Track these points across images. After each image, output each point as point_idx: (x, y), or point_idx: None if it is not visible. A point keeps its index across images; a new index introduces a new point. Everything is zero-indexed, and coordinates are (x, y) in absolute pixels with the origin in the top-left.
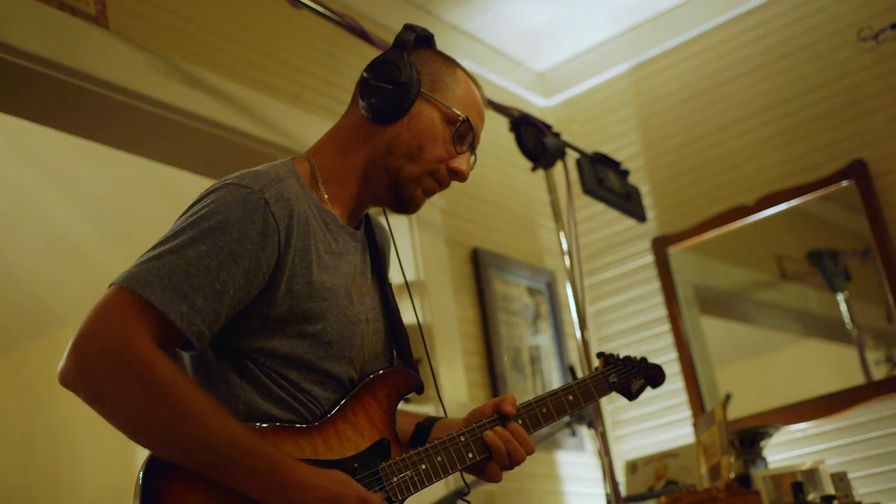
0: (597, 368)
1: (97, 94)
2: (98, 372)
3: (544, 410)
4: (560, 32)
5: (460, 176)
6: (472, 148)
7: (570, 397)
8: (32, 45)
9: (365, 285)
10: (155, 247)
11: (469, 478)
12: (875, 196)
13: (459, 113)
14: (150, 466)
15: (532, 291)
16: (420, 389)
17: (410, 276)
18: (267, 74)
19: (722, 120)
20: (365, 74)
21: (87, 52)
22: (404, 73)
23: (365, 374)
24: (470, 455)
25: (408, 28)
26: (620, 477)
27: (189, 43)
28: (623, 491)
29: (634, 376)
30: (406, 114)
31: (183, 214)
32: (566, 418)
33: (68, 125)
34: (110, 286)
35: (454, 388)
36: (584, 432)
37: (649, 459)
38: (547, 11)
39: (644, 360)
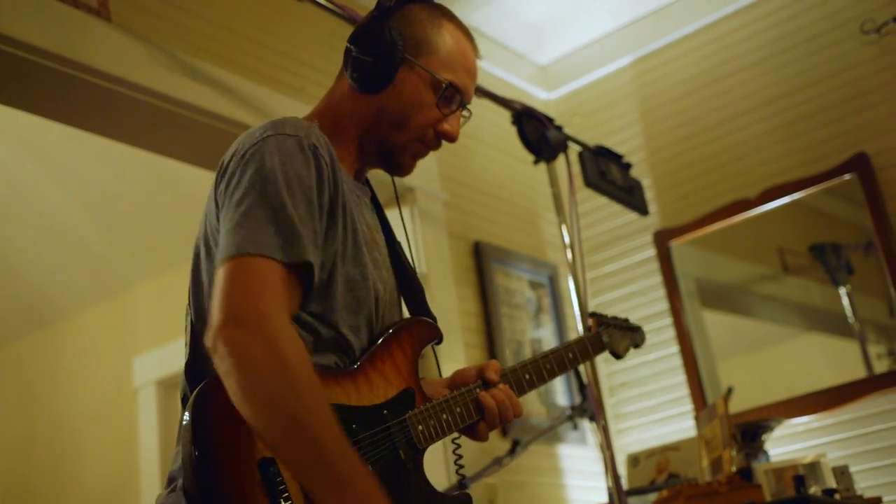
0: (590, 328)
1: (99, 87)
2: (251, 361)
3: (548, 367)
4: (562, 25)
5: (449, 137)
6: (463, 105)
7: (570, 355)
8: (34, 37)
9: (378, 237)
10: (241, 212)
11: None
12: (878, 189)
13: (441, 78)
14: (203, 397)
15: (534, 285)
16: (440, 340)
17: None
18: (269, 67)
19: (724, 113)
20: (348, 46)
21: (89, 45)
22: (383, 44)
23: (387, 323)
24: None
25: None
26: (622, 470)
27: (191, 35)
28: (625, 484)
29: (621, 337)
30: (389, 83)
31: (239, 170)
32: (568, 411)
33: (70, 117)
34: (227, 260)
35: None
36: (586, 426)
37: (651, 453)
38: (549, 4)
39: (626, 320)
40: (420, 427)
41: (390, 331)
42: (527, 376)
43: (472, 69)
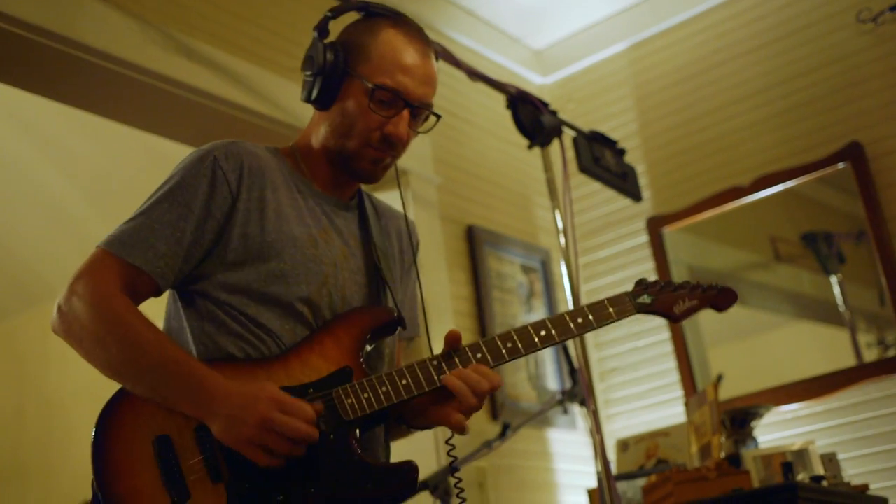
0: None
1: (94, 65)
2: (74, 320)
3: (543, 333)
4: (558, 10)
5: (394, 138)
6: (409, 106)
7: (580, 319)
8: (30, 14)
9: (339, 240)
10: (133, 215)
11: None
12: (870, 178)
13: (368, 82)
14: (114, 396)
15: (526, 269)
16: (397, 323)
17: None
18: (263, 47)
19: (719, 100)
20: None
21: (84, 23)
22: (318, 63)
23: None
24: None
25: (327, 16)
26: (611, 455)
27: (186, 14)
28: (614, 469)
29: (684, 297)
30: (335, 98)
31: None
32: (558, 395)
33: (64, 95)
34: (96, 248)
35: None
36: (576, 410)
37: (640, 438)
38: None
39: (711, 285)
40: (349, 400)
41: (336, 316)
42: (508, 344)
43: (410, 69)
